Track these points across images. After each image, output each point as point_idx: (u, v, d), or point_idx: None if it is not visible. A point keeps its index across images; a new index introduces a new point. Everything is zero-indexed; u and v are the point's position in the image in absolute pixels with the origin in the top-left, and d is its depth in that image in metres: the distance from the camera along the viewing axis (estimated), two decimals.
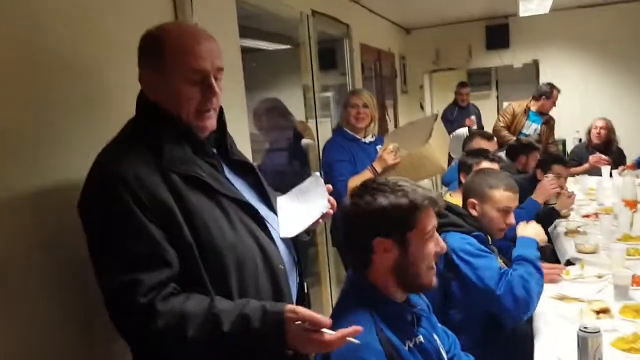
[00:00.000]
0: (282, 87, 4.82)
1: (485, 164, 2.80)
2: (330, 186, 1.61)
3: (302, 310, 1.15)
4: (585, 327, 1.56)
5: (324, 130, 4.24)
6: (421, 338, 1.39)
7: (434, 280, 1.39)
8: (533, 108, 5.47)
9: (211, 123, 1.35)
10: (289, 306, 1.16)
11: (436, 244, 1.39)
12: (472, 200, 2.23)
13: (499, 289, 1.95)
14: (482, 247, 2.08)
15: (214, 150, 1.39)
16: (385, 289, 1.35)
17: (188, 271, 1.21)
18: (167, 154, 1.25)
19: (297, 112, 4.51)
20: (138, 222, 1.18)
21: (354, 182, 3.01)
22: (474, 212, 2.22)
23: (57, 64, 1.50)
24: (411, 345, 1.33)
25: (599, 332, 1.54)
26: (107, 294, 1.19)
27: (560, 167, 3.77)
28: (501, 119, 5.57)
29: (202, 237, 1.23)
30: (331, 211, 1.50)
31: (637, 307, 2.03)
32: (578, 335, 1.56)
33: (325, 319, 1.14)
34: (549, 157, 4.13)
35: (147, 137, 1.27)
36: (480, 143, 3.48)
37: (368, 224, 1.34)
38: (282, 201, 1.53)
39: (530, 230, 2.23)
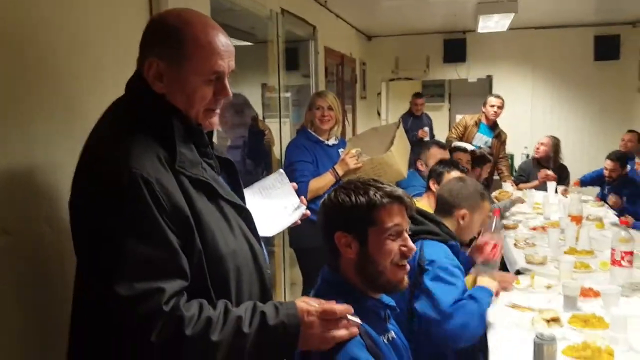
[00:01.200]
0: (241, 84, 4.79)
1: (454, 174, 2.87)
2: (295, 184, 1.65)
3: (313, 299, 1.24)
4: (541, 335, 1.64)
5: (285, 131, 4.25)
6: (393, 334, 1.42)
7: (405, 280, 1.41)
8: (482, 120, 5.65)
9: (215, 122, 1.31)
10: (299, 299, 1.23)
11: (403, 244, 1.39)
12: (464, 211, 2.27)
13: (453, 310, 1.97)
14: (456, 264, 2.10)
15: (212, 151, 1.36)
16: (355, 284, 1.38)
17: (195, 279, 1.17)
18: (180, 154, 1.20)
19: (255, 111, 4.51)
20: (159, 227, 1.11)
21: (315, 183, 3.03)
22: (461, 222, 2.27)
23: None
24: (385, 340, 1.36)
25: (554, 339, 1.62)
26: (119, 302, 1.07)
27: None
28: (454, 131, 5.71)
29: (209, 245, 1.19)
30: (308, 212, 1.51)
31: (585, 317, 2.14)
32: (534, 343, 1.63)
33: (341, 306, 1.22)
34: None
35: (158, 132, 1.20)
36: (436, 152, 3.55)
37: (330, 219, 1.40)
38: (248, 197, 1.49)
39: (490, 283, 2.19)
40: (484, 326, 2.02)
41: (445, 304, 1.94)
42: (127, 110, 1.25)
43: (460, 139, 5.61)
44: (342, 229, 1.37)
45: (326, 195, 1.46)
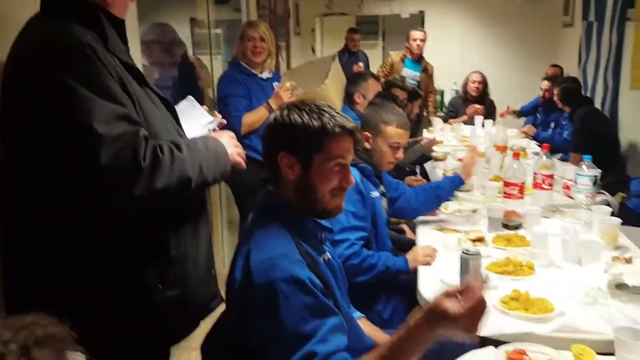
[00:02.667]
0: (168, 18, 4.58)
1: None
2: (223, 120, 1.66)
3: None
4: (467, 251, 1.73)
5: (217, 69, 4.13)
6: (328, 255, 1.45)
7: (341, 206, 1.43)
8: (407, 55, 5.69)
9: (126, 11, 1.38)
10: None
11: (344, 176, 1.39)
12: (367, 133, 2.29)
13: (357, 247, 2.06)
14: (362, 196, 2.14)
15: None
16: (294, 206, 1.38)
17: None
18: (110, 38, 1.26)
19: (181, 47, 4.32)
20: (113, 83, 1.20)
21: (249, 118, 2.99)
22: (367, 145, 2.29)
23: None
24: (322, 261, 1.39)
25: (479, 254, 1.72)
26: (99, 142, 1.15)
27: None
28: (381, 70, 5.75)
29: (145, 121, 1.28)
30: (224, 121, 1.64)
31: (508, 237, 2.28)
32: (461, 257, 1.72)
33: None
34: None
35: (88, 20, 1.25)
36: (374, 84, 3.56)
37: (277, 138, 1.37)
38: None
39: (413, 256, 2.19)
40: (366, 279, 2.08)
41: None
42: (55, 7, 1.29)
43: (387, 77, 5.66)
44: (287, 150, 1.34)
45: (273, 115, 1.41)
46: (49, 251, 1.27)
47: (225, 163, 1.42)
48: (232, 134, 1.54)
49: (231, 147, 1.47)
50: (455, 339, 1.12)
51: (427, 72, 5.74)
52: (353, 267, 2.01)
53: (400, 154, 2.32)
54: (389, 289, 2.18)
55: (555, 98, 4.58)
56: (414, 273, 2.06)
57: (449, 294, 1.12)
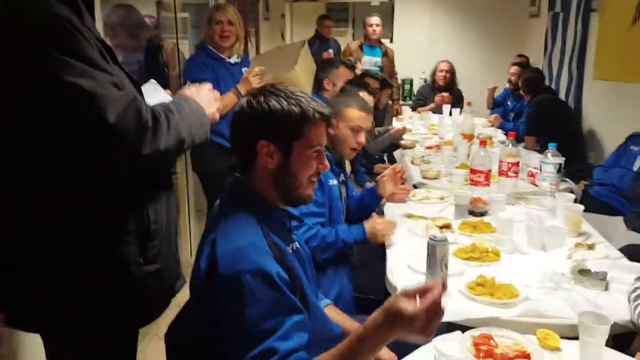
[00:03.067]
0: (133, 2, 4.46)
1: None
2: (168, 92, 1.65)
3: None
4: (434, 237, 1.73)
5: (184, 53, 4.05)
6: (297, 244, 1.43)
7: (312, 195, 1.42)
8: (365, 42, 5.70)
9: None
10: None
11: (320, 162, 1.38)
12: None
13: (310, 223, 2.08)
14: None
15: None
16: (266, 195, 1.35)
17: None
18: (84, 13, 1.24)
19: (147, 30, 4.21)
20: (101, 60, 1.19)
21: None
22: (330, 131, 2.25)
23: None
24: (290, 250, 1.36)
25: (446, 240, 1.72)
26: (108, 100, 1.15)
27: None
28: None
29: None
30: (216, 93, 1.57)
31: (474, 223, 2.30)
32: (428, 244, 1.72)
33: None
34: None
35: None
36: (344, 72, 3.53)
37: (256, 126, 1.31)
38: None
39: (370, 227, 2.22)
40: (328, 256, 2.11)
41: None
42: None
43: None
44: (267, 138, 1.30)
45: (244, 101, 1.35)
46: (29, 227, 1.25)
47: (207, 123, 1.43)
48: (210, 86, 1.54)
49: (211, 106, 1.48)
50: (409, 339, 1.08)
51: (388, 56, 5.75)
52: (313, 249, 2.03)
53: (361, 138, 2.29)
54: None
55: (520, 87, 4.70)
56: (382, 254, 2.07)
57: (406, 294, 1.07)
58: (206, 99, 1.48)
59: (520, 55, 5.75)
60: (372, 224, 2.21)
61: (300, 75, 3.09)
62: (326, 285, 2.08)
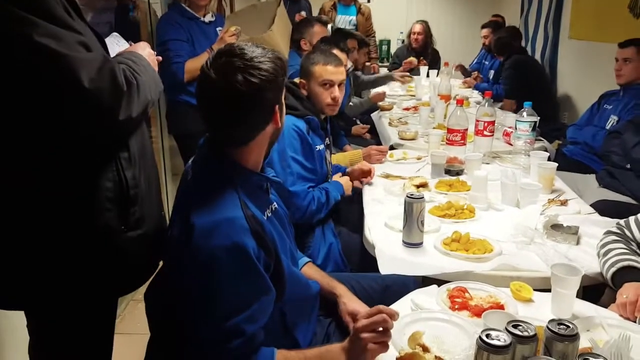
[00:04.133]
0: None
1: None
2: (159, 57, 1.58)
3: None
4: (411, 195, 1.74)
5: (156, 11, 3.93)
6: (275, 204, 1.43)
7: None
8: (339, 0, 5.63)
9: None
10: None
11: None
12: (302, 80, 2.26)
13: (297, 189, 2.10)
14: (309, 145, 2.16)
15: None
16: (247, 162, 1.32)
17: None
18: None
19: None
20: (68, 18, 1.15)
21: (193, 64, 2.86)
22: (304, 92, 2.24)
23: None
24: (269, 214, 1.36)
25: (422, 198, 1.74)
26: (81, 63, 1.12)
27: None
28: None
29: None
30: (159, 57, 1.54)
31: (450, 182, 2.32)
32: (405, 201, 1.73)
33: None
34: None
35: None
36: (319, 30, 3.47)
37: (273, 93, 1.27)
38: None
39: (343, 180, 2.34)
40: (322, 215, 2.16)
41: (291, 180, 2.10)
42: None
43: None
44: (279, 101, 1.31)
45: (241, 76, 1.22)
46: (3, 200, 1.21)
47: (160, 82, 1.42)
48: (147, 45, 1.50)
49: (155, 66, 1.45)
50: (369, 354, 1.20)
51: (363, 13, 5.66)
52: (312, 212, 2.11)
53: (335, 93, 2.23)
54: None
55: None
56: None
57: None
58: (150, 59, 1.43)
59: (495, 15, 5.73)
60: (346, 181, 2.32)
61: (277, 35, 3.03)
62: (316, 245, 2.10)
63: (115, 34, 1.53)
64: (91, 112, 1.15)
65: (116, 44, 1.48)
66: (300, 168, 2.13)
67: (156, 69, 1.45)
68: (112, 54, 1.39)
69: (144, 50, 1.45)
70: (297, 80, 2.30)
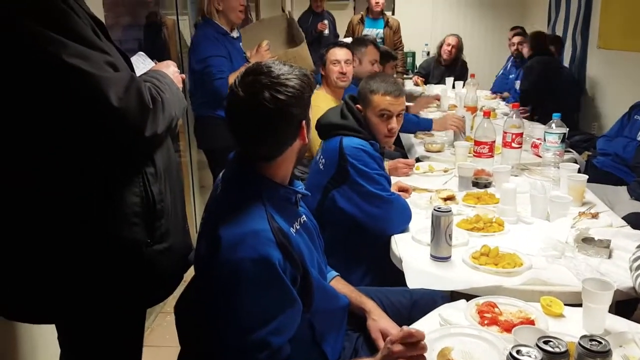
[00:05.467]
0: None
1: (335, 50, 3.09)
2: (182, 75, 1.63)
3: None
4: (438, 208, 1.74)
5: (185, 30, 4.01)
6: (304, 217, 1.44)
7: None
8: (367, 14, 5.65)
9: None
10: None
11: None
12: (359, 105, 2.19)
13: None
14: (378, 164, 2.12)
15: None
16: (275, 176, 1.35)
17: None
18: None
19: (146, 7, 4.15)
20: (95, 39, 1.19)
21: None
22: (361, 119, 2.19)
23: None
24: (297, 227, 1.37)
25: (450, 211, 1.73)
26: (109, 82, 1.16)
27: None
28: (345, 34, 5.73)
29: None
30: (183, 75, 1.59)
31: (478, 195, 2.30)
32: (432, 214, 1.73)
33: None
34: None
35: None
36: (336, 52, 3.46)
37: (299, 109, 1.29)
38: None
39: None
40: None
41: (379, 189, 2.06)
42: None
43: None
44: (305, 116, 1.33)
45: (267, 93, 1.25)
46: (34, 215, 1.24)
47: (183, 100, 1.47)
48: (173, 63, 1.55)
49: (178, 81, 1.50)
50: None
51: (391, 27, 5.68)
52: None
53: (392, 124, 2.14)
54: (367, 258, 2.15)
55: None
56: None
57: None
58: (175, 77, 1.49)
59: (515, 27, 5.66)
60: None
61: (306, 47, 3.14)
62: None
63: (141, 53, 1.58)
64: (120, 129, 1.20)
65: (142, 63, 1.53)
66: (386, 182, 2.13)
67: (180, 86, 1.50)
68: (138, 72, 1.43)
69: (168, 68, 1.49)
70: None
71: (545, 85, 4.11)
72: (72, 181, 1.24)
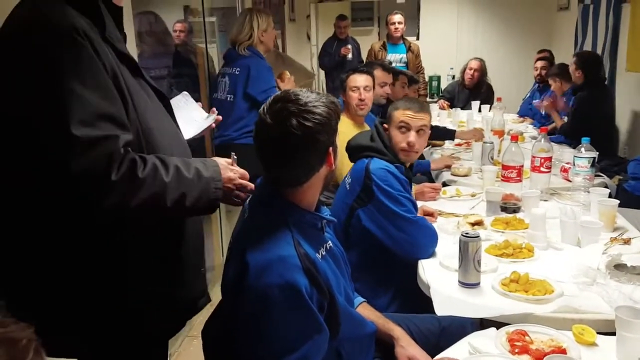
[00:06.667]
0: (161, 6, 4.53)
1: (354, 76, 3.07)
2: (219, 117, 1.70)
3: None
4: (466, 233, 1.73)
5: (213, 57, 4.09)
6: (330, 243, 1.44)
7: None
8: (388, 40, 5.72)
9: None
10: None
11: None
12: (385, 124, 2.25)
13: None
14: (403, 186, 2.12)
15: None
16: (302, 202, 1.36)
17: (133, 148, 1.20)
18: (108, 26, 1.24)
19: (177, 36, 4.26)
20: (106, 80, 1.16)
21: None
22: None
23: None
24: (323, 252, 1.38)
25: (478, 237, 1.72)
26: (76, 146, 1.08)
27: None
28: (366, 60, 5.80)
29: (139, 115, 1.24)
30: (220, 117, 1.67)
31: (507, 220, 2.28)
32: (460, 240, 1.72)
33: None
34: None
35: (83, 7, 1.20)
36: (356, 79, 3.47)
37: (325, 136, 1.31)
38: None
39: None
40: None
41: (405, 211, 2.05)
42: None
43: None
44: (332, 143, 1.35)
45: (295, 120, 1.27)
46: (34, 249, 1.23)
47: (211, 198, 1.31)
48: (233, 170, 1.42)
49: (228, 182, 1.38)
50: None
51: (412, 51, 5.75)
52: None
53: (411, 137, 2.15)
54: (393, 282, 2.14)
55: (571, 68, 4.33)
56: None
57: None
58: (231, 174, 1.38)
59: (542, 51, 5.63)
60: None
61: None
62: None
63: (185, 93, 1.64)
64: (77, 195, 1.14)
65: (183, 103, 1.57)
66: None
67: (226, 175, 1.38)
68: (178, 112, 1.47)
69: (227, 171, 1.38)
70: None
71: (591, 121, 3.81)
72: (78, 221, 1.20)
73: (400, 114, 2.18)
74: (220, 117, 1.73)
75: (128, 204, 1.15)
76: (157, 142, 1.28)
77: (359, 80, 3.04)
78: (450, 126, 4.85)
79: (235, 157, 1.48)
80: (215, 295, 1.44)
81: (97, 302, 1.25)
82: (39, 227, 1.21)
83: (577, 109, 4.10)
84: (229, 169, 1.38)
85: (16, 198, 1.21)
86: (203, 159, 1.35)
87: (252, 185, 1.42)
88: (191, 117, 1.68)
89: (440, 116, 5.29)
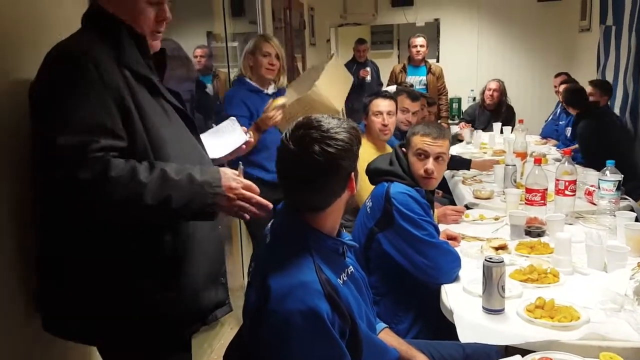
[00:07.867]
0: (185, 33, 4.62)
1: (377, 101, 3.08)
2: (251, 139, 1.76)
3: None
4: (490, 258, 1.71)
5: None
6: (351, 268, 1.44)
7: None
8: (409, 63, 5.79)
9: (157, 45, 1.47)
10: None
11: None
12: (404, 148, 2.24)
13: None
14: (424, 210, 2.10)
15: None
16: (323, 227, 1.37)
17: (141, 159, 1.29)
18: (126, 49, 1.36)
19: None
20: (103, 96, 1.26)
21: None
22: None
23: None
24: (345, 278, 1.38)
25: (502, 262, 1.69)
26: (57, 151, 1.20)
27: None
28: (387, 82, 5.83)
29: (151, 128, 1.33)
30: (252, 139, 1.73)
31: (531, 244, 2.25)
32: (484, 265, 1.70)
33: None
34: None
35: (107, 36, 1.35)
36: (379, 103, 3.44)
37: (348, 162, 1.33)
38: (202, 136, 1.62)
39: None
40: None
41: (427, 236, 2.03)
42: (82, 26, 1.42)
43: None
44: (354, 168, 1.37)
45: (317, 146, 1.28)
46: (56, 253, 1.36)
47: (207, 202, 1.32)
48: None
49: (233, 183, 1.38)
50: None
51: (433, 73, 5.77)
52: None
53: (429, 165, 2.15)
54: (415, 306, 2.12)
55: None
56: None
57: None
58: (233, 183, 1.37)
59: (559, 74, 5.58)
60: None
61: (323, 90, 2.87)
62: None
63: (232, 118, 1.69)
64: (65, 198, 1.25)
65: (230, 127, 1.61)
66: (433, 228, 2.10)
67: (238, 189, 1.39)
68: (220, 134, 1.52)
69: (229, 180, 1.38)
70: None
71: (605, 146, 3.92)
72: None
73: (419, 141, 2.17)
74: (251, 140, 1.78)
75: (103, 201, 1.23)
76: (168, 153, 1.35)
77: (382, 105, 3.05)
78: (473, 149, 4.85)
79: (243, 167, 1.51)
80: (236, 317, 1.44)
81: (100, 304, 1.34)
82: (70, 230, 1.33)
83: (579, 141, 4.23)
84: (232, 178, 1.37)
85: (46, 205, 1.36)
86: (205, 167, 1.37)
87: (257, 198, 1.38)
88: (230, 139, 1.72)
89: (464, 135, 5.26)
